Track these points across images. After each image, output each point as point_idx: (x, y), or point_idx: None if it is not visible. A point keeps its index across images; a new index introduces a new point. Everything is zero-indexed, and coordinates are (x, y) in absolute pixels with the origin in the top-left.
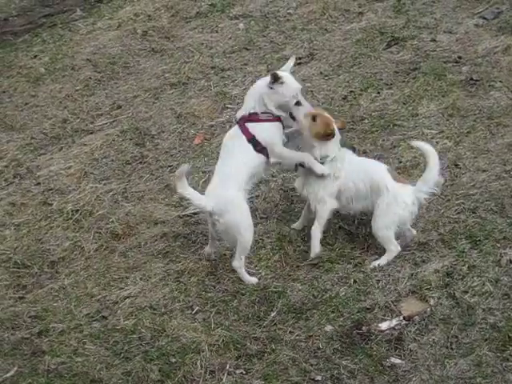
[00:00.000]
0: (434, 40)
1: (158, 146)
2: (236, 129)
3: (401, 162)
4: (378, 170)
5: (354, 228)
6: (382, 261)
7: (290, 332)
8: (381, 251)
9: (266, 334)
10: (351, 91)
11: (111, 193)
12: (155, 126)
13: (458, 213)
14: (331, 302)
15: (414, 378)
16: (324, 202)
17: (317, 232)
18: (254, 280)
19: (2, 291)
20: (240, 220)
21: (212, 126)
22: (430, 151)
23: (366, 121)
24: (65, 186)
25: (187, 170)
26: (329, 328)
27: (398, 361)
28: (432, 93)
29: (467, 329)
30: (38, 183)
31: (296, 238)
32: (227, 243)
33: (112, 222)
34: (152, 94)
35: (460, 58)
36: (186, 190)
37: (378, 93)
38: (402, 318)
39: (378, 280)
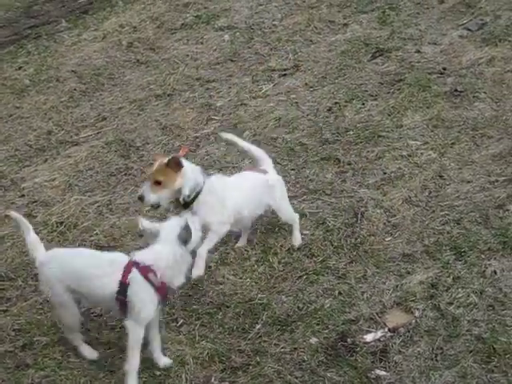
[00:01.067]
0: (418, 51)
1: (143, 158)
2: None
3: (385, 174)
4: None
5: (338, 240)
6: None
7: (274, 344)
8: (366, 263)
9: (251, 346)
10: (336, 102)
11: (96, 205)
12: (140, 138)
13: (443, 224)
14: (316, 314)
15: None
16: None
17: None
18: None
19: None
20: None
21: (197, 137)
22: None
23: (351, 132)
24: (49, 198)
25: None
26: (314, 340)
27: (383, 373)
28: (417, 104)
29: (452, 340)
30: (23, 195)
31: (281, 250)
32: None
33: (96, 234)
34: (137, 105)
35: (444, 69)
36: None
37: (363, 104)
38: (386, 329)
39: (363, 292)
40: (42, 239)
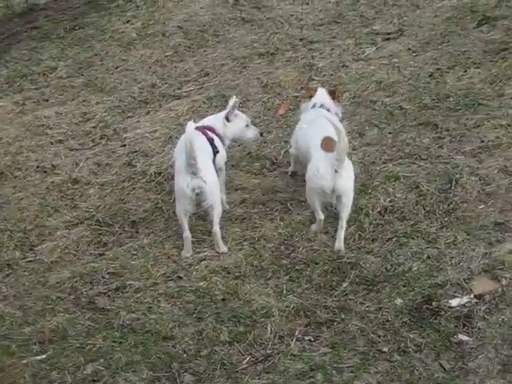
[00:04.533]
0: None
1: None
2: None
3: (483, 142)
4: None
5: (431, 205)
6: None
7: (360, 303)
8: (457, 229)
9: (337, 303)
10: (438, 68)
11: None
12: (241, 95)
13: None
14: (403, 276)
15: (480, 356)
16: None
17: None
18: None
19: (83, 247)
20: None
21: (297, 97)
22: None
23: (451, 99)
24: (149, 149)
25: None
26: (399, 301)
27: (465, 338)
28: None
29: None
30: (124, 145)
31: (372, 212)
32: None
33: None
34: (240, 62)
35: None
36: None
37: (465, 71)
38: (472, 296)
39: (452, 257)
40: (140, 188)
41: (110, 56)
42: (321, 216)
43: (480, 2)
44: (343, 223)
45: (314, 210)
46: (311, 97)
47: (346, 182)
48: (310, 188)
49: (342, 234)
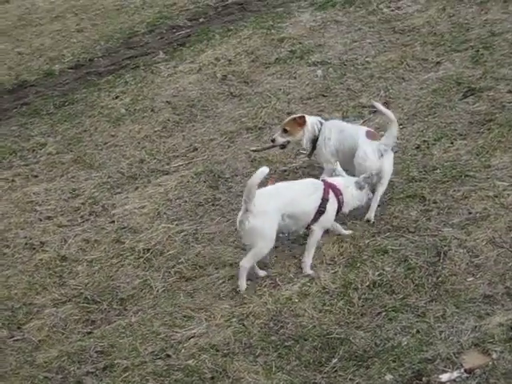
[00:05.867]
0: (510, 91)
1: (231, 190)
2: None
3: (470, 213)
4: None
5: (419, 278)
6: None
7: (350, 379)
8: (446, 302)
9: (327, 380)
10: (424, 140)
11: (183, 233)
12: (229, 169)
13: None
14: (393, 351)
15: None
16: None
17: None
18: (244, 286)
19: (71, 325)
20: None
21: (285, 171)
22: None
23: (438, 171)
24: (138, 225)
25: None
26: (389, 377)
27: None
28: (506, 144)
29: None
30: (113, 221)
31: (361, 286)
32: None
33: (181, 262)
34: (228, 137)
35: None
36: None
37: (452, 143)
38: (463, 370)
39: (441, 331)
40: (128, 265)
41: (99, 132)
42: None
43: (465, 74)
44: (378, 197)
45: None
46: (304, 123)
47: (389, 166)
48: (358, 172)
49: (375, 206)
